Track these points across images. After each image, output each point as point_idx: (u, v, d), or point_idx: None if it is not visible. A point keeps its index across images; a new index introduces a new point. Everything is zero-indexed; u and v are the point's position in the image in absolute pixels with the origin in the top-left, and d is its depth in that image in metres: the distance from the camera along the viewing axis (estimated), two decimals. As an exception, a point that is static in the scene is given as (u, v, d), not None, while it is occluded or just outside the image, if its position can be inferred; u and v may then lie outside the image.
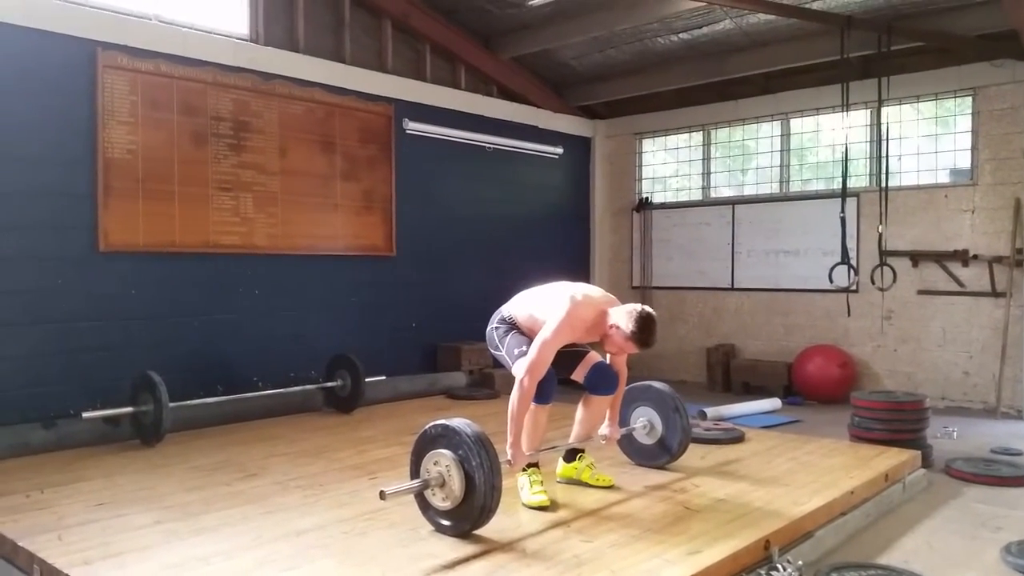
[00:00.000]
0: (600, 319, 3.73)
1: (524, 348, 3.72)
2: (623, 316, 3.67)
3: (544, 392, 3.69)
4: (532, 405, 3.67)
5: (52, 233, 5.33)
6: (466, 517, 3.20)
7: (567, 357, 3.91)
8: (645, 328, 3.62)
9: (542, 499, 3.65)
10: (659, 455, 4.40)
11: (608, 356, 4.05)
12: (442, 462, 3.23)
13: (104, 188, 5.52)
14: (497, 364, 3.81)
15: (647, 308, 3.71)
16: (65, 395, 5.31)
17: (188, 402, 5.49)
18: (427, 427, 3.35)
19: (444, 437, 3.27)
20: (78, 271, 5.45)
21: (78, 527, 3.43)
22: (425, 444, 3.33)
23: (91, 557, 3.06)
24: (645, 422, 4.39)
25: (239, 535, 3.32)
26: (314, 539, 3.27)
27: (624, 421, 4.39)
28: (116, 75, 5.59)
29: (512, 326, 3.92)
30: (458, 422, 3.28)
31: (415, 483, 3.30)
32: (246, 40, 6.49)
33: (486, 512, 3.17)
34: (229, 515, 3.60)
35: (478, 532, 3.25)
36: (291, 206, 6.57)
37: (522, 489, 3.75)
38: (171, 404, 5.05)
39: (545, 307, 3.78)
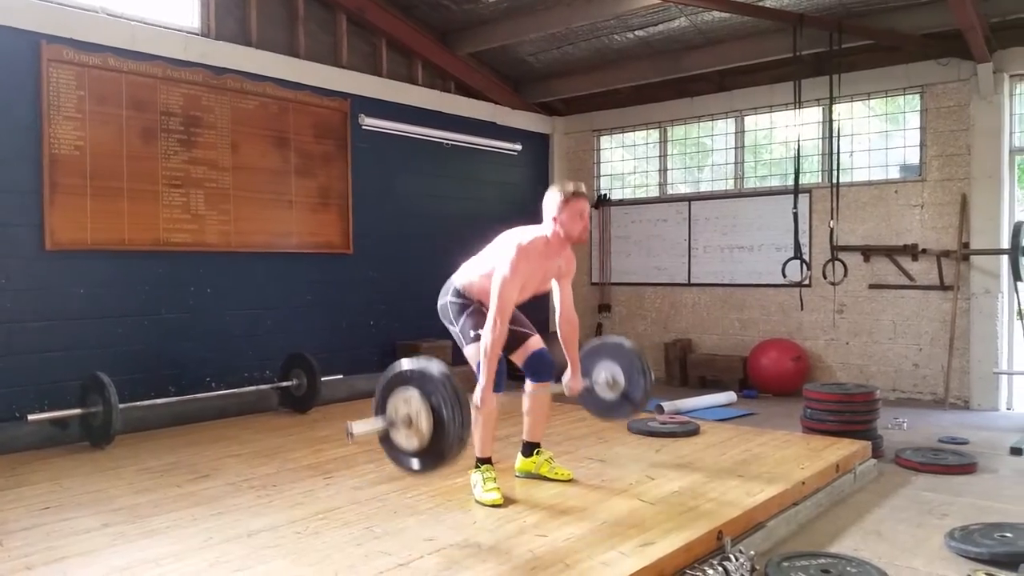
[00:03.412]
0: (547, 240, 3.74)
1: (480, 332, 3.68)
2: (551, 201, 3.74)
3: (501, 384, 3.70)
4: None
5: (-4, 231, 5.19)
6: (434, 455, 3.15)
7: (512, 337, 3.87)
8: (569, 183, 3.77)
9: (495, 497, 3.64)
10: (621, 408, 4.33)
11: (560, 300, 4.02)
12: (412, 403, 3.18)
13: (50, 185, 5.38)
14: (455, 353, 3.82)
15: None
16: (10, 397, 5.17)
17: (139, 403, 5.39)
18: (395, 370, 3.30)
19: (412, 379, 3.22)
20: (24, 270, 5.30)
21: (21, 532, 3.35)
22: (392, 384, 3.28)
23: (33, 563, 2.99)
24: (608, 377, 4.31)
25: (190, 537, 3.26)
26: (267, 539, 3.23)
27: (586, 374, 4.32)
28: (61, 69, 5.45)
29: (467, 302, 3.87)
30: (426, 363, 3.24)
31: (380, 420, 3.24)
32: (197, 34, 6.37)
33: (454, 449, 3.12)
34: (179, 517, 3.53)
35: (433, 534, 3.23)
36: (244, 203, 6.47)
37: (475, 486, 3.74)
38: (121, 405, 4.94)
39: (496, 261, 3.73)
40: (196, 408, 5.81)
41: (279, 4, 6.98)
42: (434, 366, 3.20)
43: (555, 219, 3.74)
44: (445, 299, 3.97)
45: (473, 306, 3.87)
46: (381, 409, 3.27)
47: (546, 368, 4.00)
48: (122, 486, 4.08)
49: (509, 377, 3.83)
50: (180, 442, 5.13)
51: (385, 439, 3.29)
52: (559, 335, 4.11)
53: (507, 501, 3.68)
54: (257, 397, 6.24)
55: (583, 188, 3.79)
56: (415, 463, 3.22)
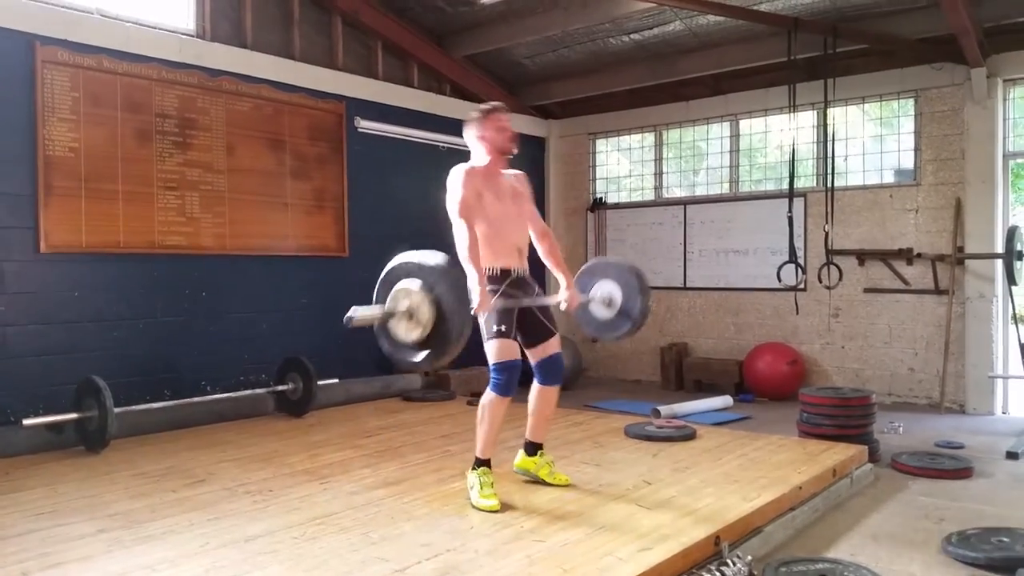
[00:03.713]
0: (482, 166, 3.79)
1: (502, 327, 3.67)
2: (470, 126, 3.84)
3: (510, 387, 3.68)
4: (495, 396, 3.67)
5: (-11, 234, 5.17)
6: (436, 345, 3.11)
7: (537, 328, 3.88)
8: (483, 103, 3.88)
9: (492, 503, 3.62)
10: (619, 324, 4.26)
11: (530, 222, 4.02)
12: (413, 295, 3.14)
13: (45, 187, 5.36)
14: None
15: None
16: (4, 401, 5.14)
17: (134, 407, 5.36)
18: (397, 263, 3.25)
19: (414, 272, 3.19)
20: (18, 273, 5.28)
21: (16, 538, 3.32)
22: (394, 278, 3.24)
23: (29, 568, 2.97)
24: (605, 294, 4.26)
25: (185, 542, 3.25)
26: (263, 545, 3.21)
27: (583, 292, 4.29)
28: (56, 71, 5.43)
29: (494, 279, 3.75)
30: (426, 255, 3.20)
31: (379, 308, 3.21)
32: (192, 36, 6.35)
33: (457, 338, 3.09)
34: (175, 522, 3.52)
35: (430, 539, 3.23)
36: (239, 205, 6.45)
37: (472, 489, 3.73)
38: (116, 410, 4.92)
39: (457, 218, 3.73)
40: (192, 412, 5.79)
41: (274, 6, 6.97)
42: (436, 257, 3.17)
43: (480, 139, 3.84)
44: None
45: (498, 281, 3.74)
46: (382, 300, 3.24)
47: (558, 373, 3.99)
48: (118, 491, 4.06)
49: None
50: (176, 446, 5.11)
51: (384, 331, 3.25)
52: (540, 254, 4.09)
53: (504, 506, 3.66)
54: (253, 401, 6.22)
55: (499, 103, 3.92)
56: (416, 355, 3.17)
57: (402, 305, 3.15)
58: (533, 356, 3.95)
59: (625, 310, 4.23)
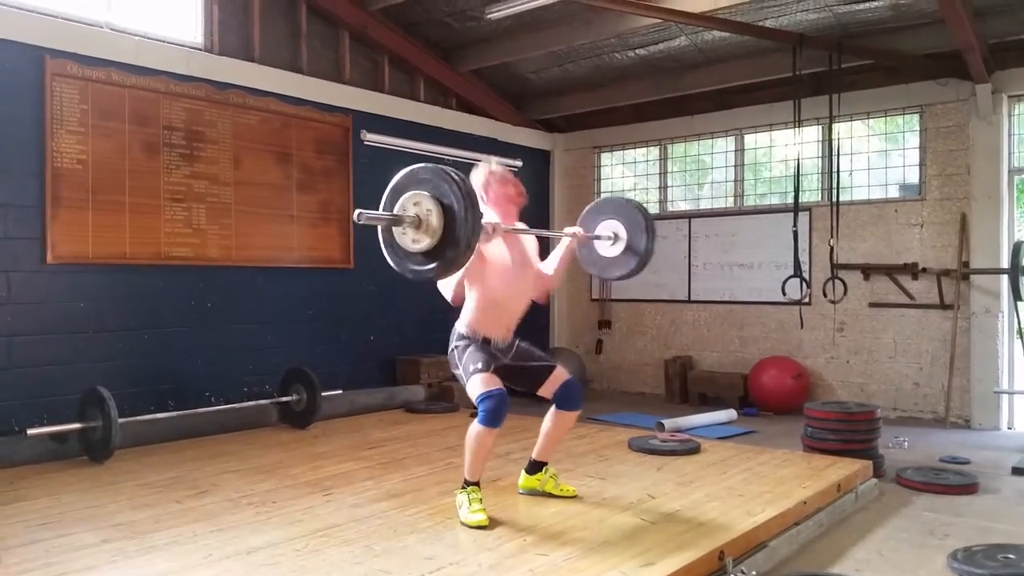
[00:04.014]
0: (493, 225, 3.70)
1: (479, 365, 3.66)
2: (477, 183, 3.79)
3: (497, 417, 3.59)
4: (483, 428, 3.59)
5: (-2, 245, 5.20)
6: (446, 252, 3.08)
7: (532, 373, 3.90)
8: (479, 165, 3.87)
9: (480, 518, 3.58)
10: (625, 261, 4.22)
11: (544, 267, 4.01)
12: (422, 203, 3.12)
13: (52, 199, 5.40)
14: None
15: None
16: (9, 411, 5.16)
17: (138, 418, 5.37)
18: (407, 172, 3.24)
19: (422, 180, 3.16)
20: (25, 284, 5.31)
21: (19, 548, 3.32)
22: (402, 187, 3.21)
23: (32, 579, 2.97)
24: (610, 233, 4.23)
25: (189, 553, 3.25)
26: (266, 557, 3.21)
27: (588, 230, 4.28)
28: (65, 83, 5.48)
29: (469, 340, 3.78)
30: (439, 168, 3.18)
31: (388, 214, 3.17)
32: (200, 49, 6.40)
33: (466, 246, 3.07)
34: (179, 533, 3.51)
35: (433, 552, 3.22)
36: (245, 217, 6.48)
37: (460, 507, 3.68)
38: (121, 420, 4.92)
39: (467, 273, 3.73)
40: (196, 423, 5.78)
41: (282, 20, 7.03)
42: (447, 168, 3.16)
43: (487, 195, 3.85)
44: (451, 346, 3.86)
45: (476, 342, 3.76)
46: (389, 210, 3.22)
47: (577, 397, 3.95)
48: (121, 501, 4.06)
49: (513, 394, 3.79)
50: (180, 457, 5.11)
51: (390, 241, 3.21)
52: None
53: (507, 520, 3.66)
54: (257, 412, 6.22)
55: (495, 161, 3.97)
56: (424, 265, 3.14)
57: (411, 212, 3.12)
58: (546, 392, 3.93)
59: (631, 246, 4.19)
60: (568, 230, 4.13)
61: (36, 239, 5.35)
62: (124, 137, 5.77)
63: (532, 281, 3.95)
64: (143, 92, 5.89)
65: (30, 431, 4.85)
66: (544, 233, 3.91)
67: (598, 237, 4.28)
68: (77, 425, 4.99)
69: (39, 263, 5.36)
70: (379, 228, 3.27)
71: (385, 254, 3.27)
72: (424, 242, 3.10)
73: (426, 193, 3.11)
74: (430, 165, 3.21)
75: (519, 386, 3.92)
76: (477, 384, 3.63)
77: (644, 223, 4.19)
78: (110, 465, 4.88)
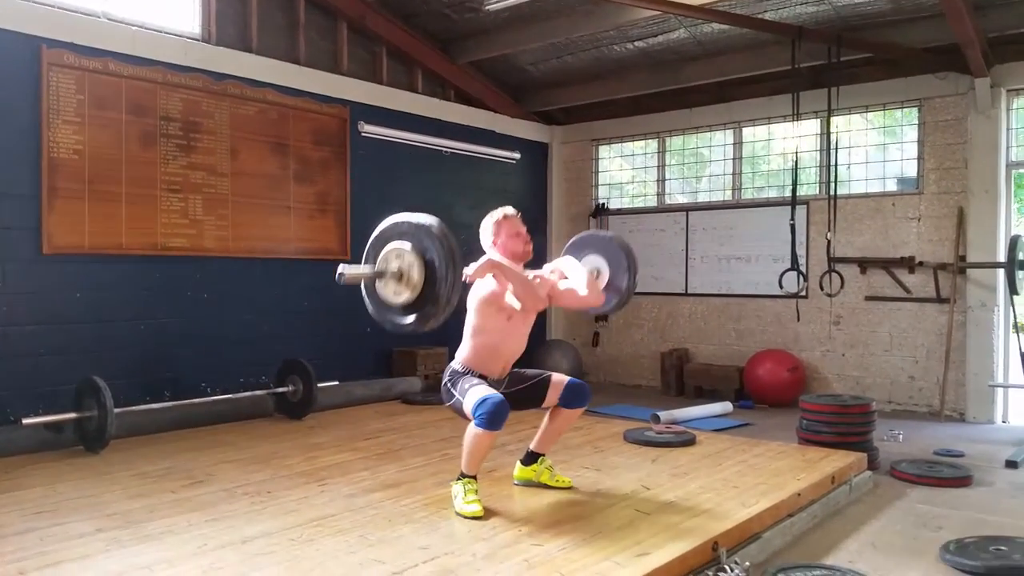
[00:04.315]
0: (501, 280, 3.69)
1: (475, 382, 3.66)
2: (487, 230, 3.81)
3: (497, 421, 3.56)
4: (481, 431, 3.55)
5: (-7, 235, 5.19)
6: (425, 308, 3.09)
7: (531, 392, 3.90)
8: (498, 210, 3.84)
9: (475, 509, 3.58)
10: (607, 299, 4.21)
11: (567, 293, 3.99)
12: (404, 256, 3.11)
13: (49, 189, 5.39)
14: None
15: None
16: (5, 400, 5.16)
17: (134, 408, 5.37)
18: (389, 223, 3.23)
19: (407, 233, 3.16)
20: (21, 274, 5.30)
21: (14, 536, 3.33)
22: (386, 238, 3.22)
23: (27, 568, 2.98)
24: (593, 269, 4.23)
25: (184, 543, 3.25)
26: (261, 546, 3.21)
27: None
28: (62, 73, 5.46)
29: (464, 372, 3.78)
30: (419, 217, 3.17)
31: (370, 267, 3.19)
32: (197, 39, 6.38)
33: (446, 303, 3.07)
34: (174, 522, 3.52)
35: (428, 542, 3.23)
36: (242, 208, 6.47)
37: (456, 498, 3.69)
38: (116, 410, 4.93)
39: (471, 309, 3.75)
40: (191, 413, 5.79)
41: (280, 11, 7.00)
42: (430, 220, 3.15)
43: (494, 244, 3.83)
44: (444, 381, 3.86)
45: (472, 374, 3.76)
46: (372, 260, 3.23)
47: (583, 395, 3.94)
48: (117, 491, 4.06)
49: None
50: (175, 447, 5.11)
51: (372, 292, 3.23)
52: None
53: (502, 511, 3.67)
54: (253, 403, 6.22)
55: (512, 210, 3.90)
56: (403, 318, 3.15)
57: (392, 266, 3.12)
58: (552, 402, 3.93)
59: (613, 284, 4.21)
60: (548, 266, 4.11)
61: (32, 229, 5.34)
62: (121, 127, 5.76)
63: (536, 313, 3.96)
64: (140, 82, 5.87)
65: (26, 420, 4.86)
66: (530, 272, 3.92)
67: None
68: (73, 415, 4.99)
69: (35, 253, 5.36)
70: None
71: (366, 302, 3.28)
72: (405, 295, 3.12)
73: (408, 246, 3.11)
74: (415, 219, 3.19)
75: (524, 408, 3.92)
76: (475, 393, 3.61)
77: (627, 262, 4.21)
78: (105, 455, 4.89)
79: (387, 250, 3.16)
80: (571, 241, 4.41)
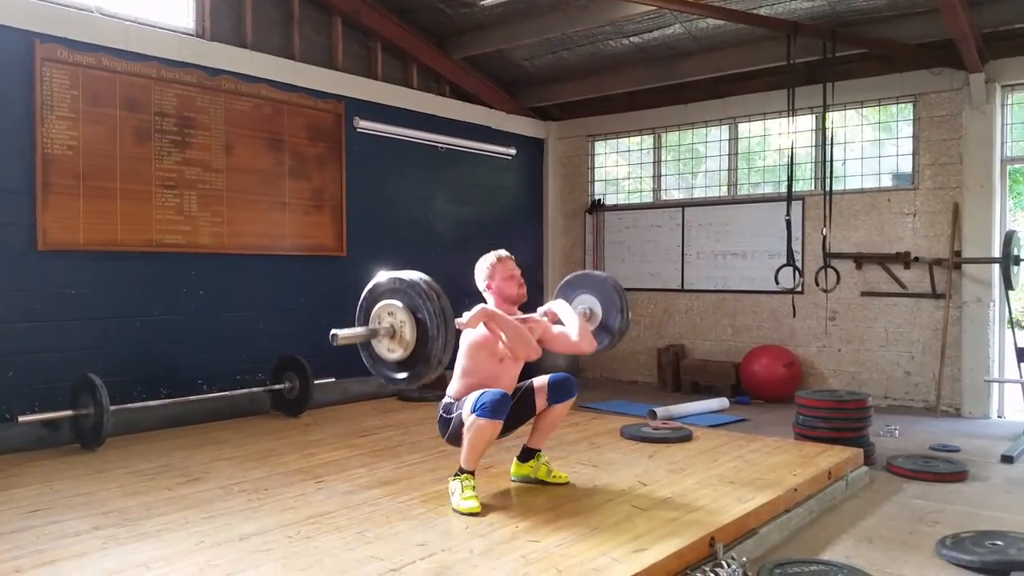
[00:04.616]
0: (492, 324, 3.71)
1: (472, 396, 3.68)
2: (481, 272, 3.87)
3: (500, 410, 3.59)
4: (483, 420, 3.56)
5: (-13, 231, 5.17)
6: (416, 367, 3.15)
7: (520, 406, 3.91)
8: (492, 252, 3.89)
9: (472, 505, 3.59)
10: (599, 338, 4.29)
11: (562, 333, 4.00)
12: (396, 314, 3.15)
13: (43, 185, 5.36)
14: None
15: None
16: (1, 398, 5.13)
17: (130, 405, 5.37)
18: (381, 279, 3.28)
19: (397, 290, 3.20)
20: (15, 271, 5.27)
21: (10, 535, 3.32)
22: (376, 296, 3.26)
23: (23, 566, 2.97)
24: (586, 309, 4.30)
25: (180, 540, 3.25)
26: (258, 544, 3.21)
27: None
28: (55, 68, 5.43)
29: (456, 400, 3.83)
30: (412, 275, 3.21)
31: (364, 329, 3.24)
32: (191, 35, 6.36)
33: (437, 364, 3.12)
34: (171, 520, 3.52)
35: (425, 538, 3.23)
36: (237, 204, 6.45)
37: (453, 494, 3.69)
38: (112, 407, 4.92)
39: (462, 352, 3.79)
40: (188, 410, 5.78)
41: (274, 6, 6.98)
42: (418, 276, 3.19)
43: (488, 288, 3.87)
44: (438, 415, 3.92)
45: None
46: (364, 320, 3.27)
47: (566, 388, 3.96)
48: (113, 489, 4.05)
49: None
50: (171, 445, 5.10)
51: (366, 347, 3.29)
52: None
53: (499, 507, 3.67)
54: (249, 400, 6.22)
55: (505, 252, 3.93)
56: (396, 374, 3.20)
57: (385, 323, 3.19)
58: (542, 405, 3.96)
59: (606, 325, 4.30)
60: (541, 310, 4.13)
61: (27, 226, 5.32)
62: (115, 123, 5.73)
63: (547, 342, 4.00)
64: (134, 78, 5.84)
65: (21, 418, 4.86)
66: (520, 316, 3.93)
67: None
68: (68, 412, 4.99)
69: (29, 250, 5.33)
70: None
71: (362, 355, 3.33)
72: (398, 352, 3.18)
73: (400, 304, 3.15)
74: (406, 276, 3.22)
75: (520, 422, 3.98)
76: (472, 396, 3.65)
77: (620, 303, 4.27)
78: (101, 452, 4.88)
79: (379, 307, 3.22)
80: (565, 280, 4.45)
